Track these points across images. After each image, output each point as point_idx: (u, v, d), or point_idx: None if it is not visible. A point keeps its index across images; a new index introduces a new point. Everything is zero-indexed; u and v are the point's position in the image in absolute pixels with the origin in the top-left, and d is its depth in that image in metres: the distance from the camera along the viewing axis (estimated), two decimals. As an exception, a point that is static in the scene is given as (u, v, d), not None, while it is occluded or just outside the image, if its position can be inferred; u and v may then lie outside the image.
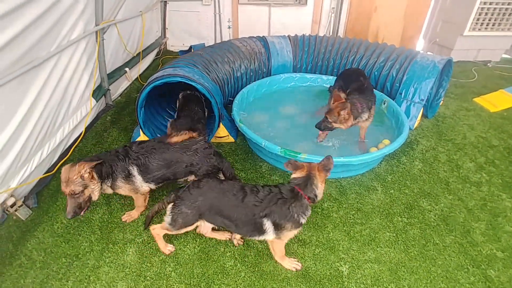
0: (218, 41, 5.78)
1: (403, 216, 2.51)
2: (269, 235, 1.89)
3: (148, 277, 2.04)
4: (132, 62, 4.38)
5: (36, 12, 2.12)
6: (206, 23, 5.82)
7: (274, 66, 4.21)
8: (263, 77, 4.14)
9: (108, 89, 3.73)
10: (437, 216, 2.52)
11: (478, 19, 5.07)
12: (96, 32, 3.17)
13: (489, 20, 5.11)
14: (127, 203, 2.57)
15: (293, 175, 1.94)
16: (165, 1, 5.55)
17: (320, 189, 1.89)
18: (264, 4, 5.62)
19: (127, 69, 4.22)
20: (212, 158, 2.32)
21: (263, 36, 4.36)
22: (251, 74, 4.01)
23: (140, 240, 2.28)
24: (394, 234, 2.36)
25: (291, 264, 2.09)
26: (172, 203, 1.97)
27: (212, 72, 3.40)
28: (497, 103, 4.19)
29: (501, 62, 5.76)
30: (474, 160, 3.18)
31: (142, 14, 4.39)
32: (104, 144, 3.26)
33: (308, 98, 4.03)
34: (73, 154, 3.04)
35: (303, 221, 1.87)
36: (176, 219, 1.94)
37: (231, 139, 3.37)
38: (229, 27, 5.87)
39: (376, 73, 3.94)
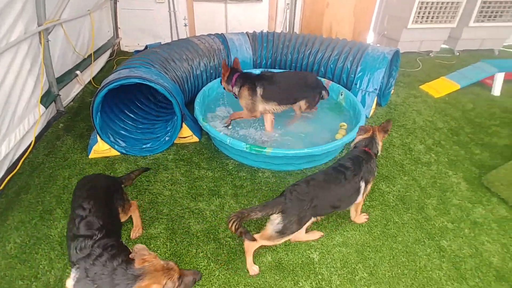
0: (175, 39, 5.63)
1: (365, 200, 2.66)
2: (360, 195, 2.18)
3: (118, 288, 1.95)
4: (83, 64, 4.12)
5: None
6: (161, 21, 5.64)
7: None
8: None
9: (58, 94, 3.47)
10: (395, 196, 2.71)
11: (419, 13, 5.50)
12: (39, 33, 2.93)
13: (429, 13, 5.56)
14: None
15: (358, 138, 2.37)
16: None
17: (380, 146, 2.34)
18: (219, 1, 5.57)
19: (78, 72, 3.96)
20: None
21: (222, 33, 4.34)
22: (211, 71, 3.98)
23: (106, 250, 2.17)
24: (358, 217, 2.50)
25: (363, 218, 2.45)
26: (280, 212, 1.89)
27: (170, 70, 3.31)
28: (440, 89, 4.59)
29: (441, 52, 6.31)
30: (424, 142, 3.46)
31: (90, 13, 4.14)
32: (58, 154, 3.04)
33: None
34: (22, 167, 2.79)
35: (376, 172, 2.28)
36: (290, 226, 1.90)
37: (195, 138, 3.32)
38: (185, 25, 5.75)
39: (332, 66, 4.11)
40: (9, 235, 2.24)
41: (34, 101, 2.96)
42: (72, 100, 3.96)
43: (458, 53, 6.28)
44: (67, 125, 3.50)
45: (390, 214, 2.53)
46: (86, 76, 4.29)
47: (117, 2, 5.34)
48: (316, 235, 2.31)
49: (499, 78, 4.54)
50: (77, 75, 3.96)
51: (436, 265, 2.14)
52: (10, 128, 2.62)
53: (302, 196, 1.93)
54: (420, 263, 2.16)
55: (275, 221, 1.90)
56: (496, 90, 4.59)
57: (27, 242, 2.20)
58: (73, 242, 1.57)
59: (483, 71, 4.60)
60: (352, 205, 2.28)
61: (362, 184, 2.15)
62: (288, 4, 5.77)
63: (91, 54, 4.34)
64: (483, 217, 2.53)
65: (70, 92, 3.93)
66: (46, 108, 3.19)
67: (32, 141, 2.90)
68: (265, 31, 4.54)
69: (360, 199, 2.22)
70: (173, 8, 5.50)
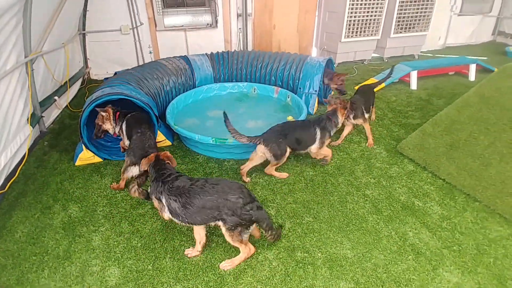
0: (142, 65, 6.24)
1: (310, 171, 3.38)
2: (316, 143, 3.23)
3: (117, 252, 2.44)
4: (60, 91, 4.59)
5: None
6: (128, 50, 6.26)
7: (197, 79, 4.92)
8: (190, 90, 4.79)
9: (42, 116, 3.92)
10: (333, 166, 3.47)
11: (348, 29, 6.63)
12: (26, 63, 3.45)
13: (357, 29, 6.72)
14: (84, 207, 2.91)
15: (328, 109, 3.46)
16: (84, 34, 5.83)
17: (339, 118, 3.34)
18: (179, 29, 6.34)
19: (56, 97, 4.43)
20: None
21: (185, 55, 5.06)
22: (179, 87, 4.64)
23: (103, 229, 2.66)
24: (305, 184, 3.19)
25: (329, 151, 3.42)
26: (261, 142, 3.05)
27: (145, 87, 3.92)
28: (370, 88, 5.59)
29: (373, 59, 7.50)
30: (356, 128, 4.31)
31: (65, 46, 4.68)
32: (47, 165, 3.47)
33: (230, 102, 4.80)
34: (18, 177, 3.21)
35: (332, 132, 3.33)
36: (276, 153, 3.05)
37: (168, 142, 3.90)
38: (150, 52, 6.41)
39: (280, 74, 4.96)
40: (16, 227, 2.65)
41: (24, 120, 3.41)
42: (52, 123, 4.39)
43: (386, 60, 7.50)
44: (51, 143, 3.93)
45: (328, 179, 3.26)
46: (63, 101, 4.75)
47: (86, 36, 5.90)
48: (284, 175, 3.27)
49: (414, 75, 5.65)
50: (55, 100, 4.43)
51: (361, 206, 2.88)
52: (7, 143, 3.06)
53: (276, 131, 3.11)
54: (349, 207, 2.88)
55: (267, 154, 3.06)
56: (413, 85, 5.68)
57: (34, 231, 2.63)
58: None
59: (401, 70, 5.70)
60: (310, 148, 3.26)
61: (318, 133, 3.19)
62: (240, 28, 6.68)
63: (66, 81, 4.82)
64: (396, 172, 3.35)
65: (50, 116, 4.37)
66: (33, 127, 3.63)
67: (25, 153, 3.32)
68: (221, 51, 5.33)
69: (315, 146, 3.22)
70: (138, 38, 6.17)
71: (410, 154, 3.56)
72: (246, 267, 2.31)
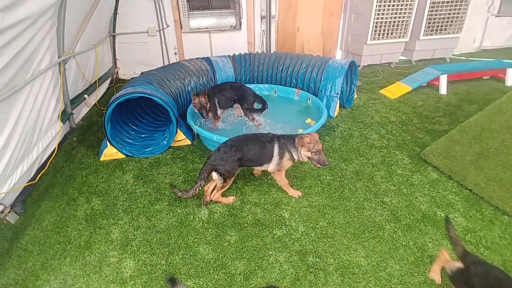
0: (167, 66, 6.44)
1: (327, 176, 3.32)
2: (272, 163, 2.85)
3: (134, 245, 2.53)
4: (90, 89, 4.84)
5: (17, 47, 2.63)
6: (154, 51, 6.48)
7: (219, 80, 4.99)
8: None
9: (72, 113, 4.15)
10: (351, 171, 3.38)
11: (375, 31, 6.45)
12: (59, 63, 3.67)
13: (383, 31, 6.52)
14: (106, 200, 3.04)
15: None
16: (114, 35, 6.12)
17: (299, 153, 2.81)
18: (204, 31, 6.48)
19: (86, 96, 4.67)
20: None
21: (207, 56, 5.16)
22: (201, 88, 4.73)
23: (122, 222, 2.76)
24: (321, 188, 3.14)
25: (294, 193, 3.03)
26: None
27: (166, 87, 4.04)
28: (395, 92, 5.41)
29: (400, 62, 7.25)
30: (378, 132, 4.18)
31: (95, 47, 4.93)
32: (75, 159, 3.67)
33: (250, 103, 4.83)
34: (48, 169, 3.42)
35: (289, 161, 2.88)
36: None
37: (188, 141, 3.99)
38: (175, 53, 6.60)
39: (301, 77, 4.92)
40: (44, 216, 2.82)
41: (55, 117, 3.63)
42: (81, 120, 4.64)
43: (415, 63, 7.22)
44: (80, 138, 4.16)
45: (346, 183, 3.19)
46: (92, 99, 5.00)
47: (116, 38, 6.18)
48: (230, 199, 2.97)
49: (443, 79, 5.39)
50: (85, 98, 4.67)
51: (378, 214, 2.78)
52: (39, 137, 3.27)
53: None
54: (366, 213, 2.79)
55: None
56: (443, 90, 5.42)
57: (59, 221, 2.79)
58: None
59: (429, 74, 5.46)
60: (268, 166, 2.91)
61: (276, 152, 2.82)
62: (263, 30, 6.70)
63: (95, 81, 5.08)
64: (418, 180, 3.20)
65: (80, 113, 4.62)
66: (64, 123, 3.85)
67: (55, 148, 3.54)
68: (243, 53, 5.38)
69: (272, 167, 2.88)
70: (164, 40, 6.37)
71: (435, 161, 3.39)
72: (256, 267, 2.31)
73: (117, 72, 6.52)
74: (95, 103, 5.09)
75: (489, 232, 2.56)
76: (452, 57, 7.47)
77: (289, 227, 2.66)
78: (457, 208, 2.82)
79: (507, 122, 3.31)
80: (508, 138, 3.16)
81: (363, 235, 2.57)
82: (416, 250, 2.42)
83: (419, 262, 2.32)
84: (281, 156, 2.85)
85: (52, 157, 3.52)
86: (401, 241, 2.50)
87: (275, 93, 5.05)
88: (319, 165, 2.78)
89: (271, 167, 2.91)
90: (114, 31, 6.02)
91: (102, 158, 3.66)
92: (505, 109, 3.48)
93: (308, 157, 2.79)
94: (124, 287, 2.20)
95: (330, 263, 2.34)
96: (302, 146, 2.76)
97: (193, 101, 3.93)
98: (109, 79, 6.02)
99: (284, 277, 2.23)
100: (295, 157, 2.86)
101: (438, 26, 6.83)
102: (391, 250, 2.43)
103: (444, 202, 2.90)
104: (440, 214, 2.75)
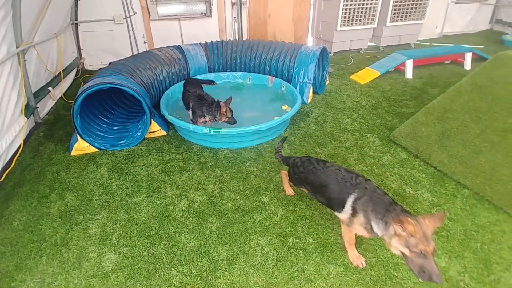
0: (137, 55, 6.20)
1: (304, 160, 3.42)
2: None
3: (113, 239, 2.49)
4: (54, 82, 4.58)
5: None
6: (121, 40, 6.20)
7: (192, 69, 4.90)
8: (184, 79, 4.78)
9: (36, 107, 3.92)
10: (326, 154, 3.51)
11: (344, 18, 6.58)
12: (18, 53, 3.42)
13: (352, 17, 6.67)
14: (80, 196, 2.95)
15: None
16: (76, 24, 5.77)
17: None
18: (174, 18, 6.28)
19: (50, 88, 4.42)
20: None
21: (179, 44, 5.03)
22: (173, 77, 4.62)
23: (99, 217, 2.70)
24: (298, 172, 3.23)
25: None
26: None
27: (137, 77, 3.91)
28: (365, 77, 5.60)
29: (369, 48, 7.48)
30: (350, 117, 4.34)
31: (57, 36, 4.63)
32: (43, 156, 3.49)
33: (225, 91, 4.80)
34: (14, 167, 3.23)
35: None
36: None
37: (163, 132, 3.91)
38: (144, 42, 6.36)
39: (274, 64, 4.94)
40: (13, 216, 2.69)
41: (18, 111, 3.42)
42: (47, 114, 4.39)
43: (382, 49, 7.48)
44: (47, 133, 3.95)
45: (322, 167, 3.30)
46: (57, 92, 4.74)
47: (79, 26, 5.83)
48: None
49: (409, 64, 5.65)
50: (49, 91, 4.41)
51: (352, 194, 2.93)
52: (1, 133, 3.07)
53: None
54: (341, 194, 2.92)
55: None
56: (408, 74, 5.69)
57: (31, 219, 2.67)
58: None
59: (396, 59, 5.69)
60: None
61: (349, 205, 2.09)
62: (234, 17, 6.61)
63: (60, 72, 4.80)
64: (389, 160, 3.39)
65: (45, 107, 4.37)
66: (28, 118, 3.63)
67: (21, 144, 3.34)
68: (215, 40, 5.30)
69: (342, 216, 2.19)
70: (132, 28, 6.10)
71: (403, 142, 3.60)
72: (239, 252, 2.37)
73: (83, 62, 6.20)
74: (61, 96, 4.83)
75: (452, 205, 2.79)
76: (416, 42, 7.82)
77: (269, 211, 2.74)
78: (424, 185, 3.03)
79: (466, 103, 3.56)
80: (467, 118, 3.41)
81: (339, 215, 2.71)
82: (387, 225, 2.59)
83: (390, 236, 2.49)
84: (354, 213, 2.06)
85: (18, 154, 3.33)
86: (374, 218, 2.66)
87: (249, 81, 5.05)
88: (421, 279, 1.66)
89: (341, 216, 2.21)
90: (76, 19, 5.68)
91: (73, 153, 3.52)
92: (464, 91, 3.73)
93: (404, 255, 1.73)
94: (106, 281, 2.18)
95: (309, 243, 2.45)
96: (398, 235, 1.72)
97: (221, 112, 3.59)
98: (75, 70, 5.71)
99: (266, 259, 2.31)
100: (378, 232, 1.90)
101: (403, 13, 7.09)
102: (365, 227, 2.58)
103: (412, 179, 3.10)
104: (408, 191, 2.95)
